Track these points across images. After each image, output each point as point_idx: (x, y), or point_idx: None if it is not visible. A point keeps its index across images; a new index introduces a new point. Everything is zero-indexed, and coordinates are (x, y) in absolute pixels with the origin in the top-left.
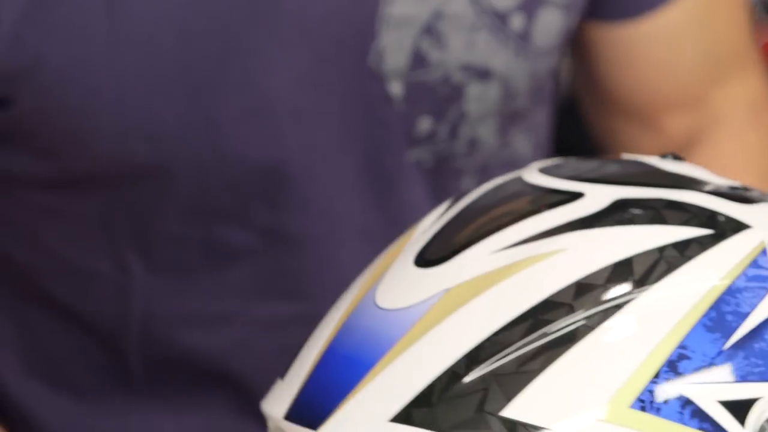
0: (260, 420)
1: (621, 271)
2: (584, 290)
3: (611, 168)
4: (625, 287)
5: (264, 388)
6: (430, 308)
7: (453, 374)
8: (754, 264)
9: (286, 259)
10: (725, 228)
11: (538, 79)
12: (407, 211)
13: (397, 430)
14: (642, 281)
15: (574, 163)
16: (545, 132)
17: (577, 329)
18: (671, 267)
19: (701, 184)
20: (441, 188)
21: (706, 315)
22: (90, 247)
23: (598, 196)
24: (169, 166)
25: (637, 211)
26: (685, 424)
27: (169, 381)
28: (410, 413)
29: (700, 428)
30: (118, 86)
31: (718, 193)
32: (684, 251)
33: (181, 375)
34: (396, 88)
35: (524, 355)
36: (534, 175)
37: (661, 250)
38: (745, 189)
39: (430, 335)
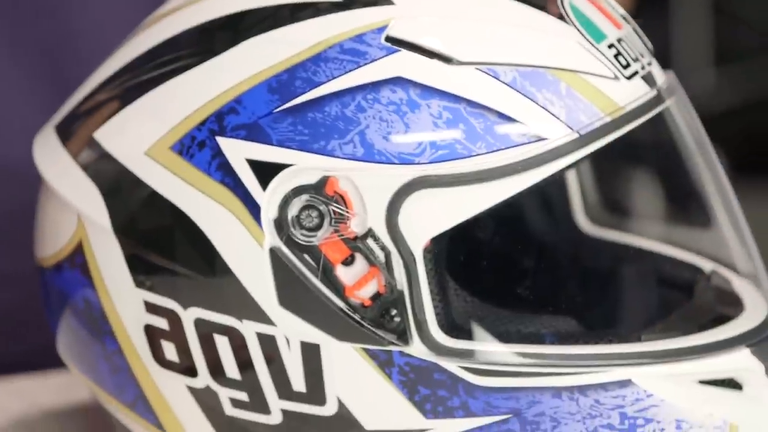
0: None
1: (234, 21)
2: (199, 33)
3: None
4: (228, 36)
5: None
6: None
7: (93, 91)
8: (359, 38)
9: None
10: None
11: None
12: None
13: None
14: (244, 33)
15: None
16: None
17: (175, 68)
18: (276, 24)
19: None
20: None
21: (277, 76)
22: None
23: None
24: None
25: None
26: (210, 174)
27: None
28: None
29: (222, 181)
30: None
31: None
32: (297, 12)
33: None
34: None
35: (131, 84)
36: None
37: (279, 8)
38: None
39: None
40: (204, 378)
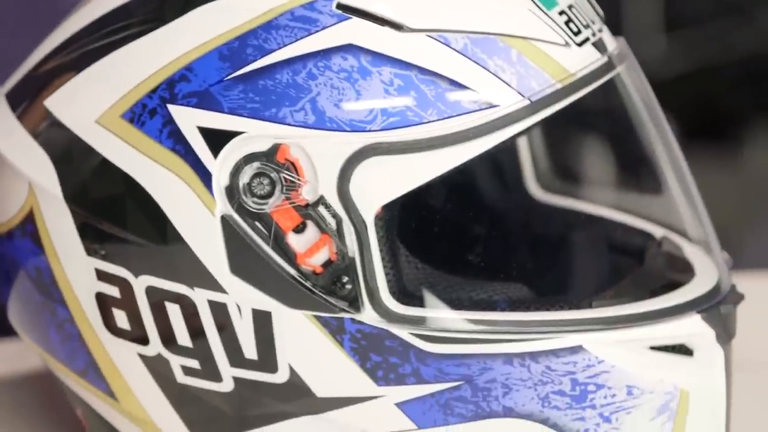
0: None
1: None
2: (149, 1)
3: None
4: (179, 3)
5: None
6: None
7: (44, 59)
8: (310, 6)
9: None
10: None
11: None
12: None
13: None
14: (195, 0)
15: None
16: None
17: (126, 35)
18: None
19: None
20: None
21: (228, 43)
22: None
23: None
24: None
25: None
26: (161, 142)
27: None
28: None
29: (173, 149)
30: None
31: None
32: None
33: None
34: None
35: (82, 52)
36: None
37: None
38: None
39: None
40: (155, 346)
